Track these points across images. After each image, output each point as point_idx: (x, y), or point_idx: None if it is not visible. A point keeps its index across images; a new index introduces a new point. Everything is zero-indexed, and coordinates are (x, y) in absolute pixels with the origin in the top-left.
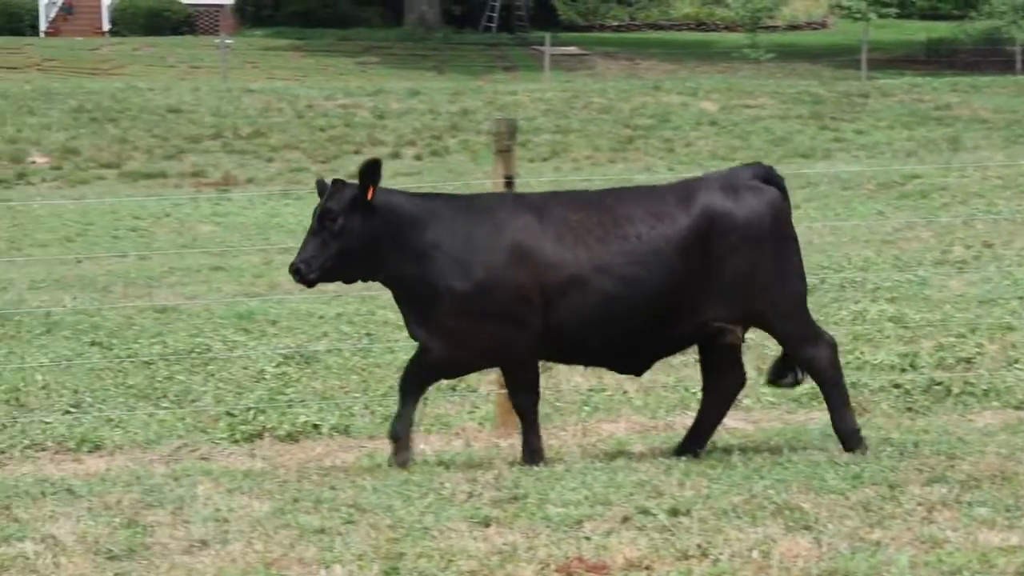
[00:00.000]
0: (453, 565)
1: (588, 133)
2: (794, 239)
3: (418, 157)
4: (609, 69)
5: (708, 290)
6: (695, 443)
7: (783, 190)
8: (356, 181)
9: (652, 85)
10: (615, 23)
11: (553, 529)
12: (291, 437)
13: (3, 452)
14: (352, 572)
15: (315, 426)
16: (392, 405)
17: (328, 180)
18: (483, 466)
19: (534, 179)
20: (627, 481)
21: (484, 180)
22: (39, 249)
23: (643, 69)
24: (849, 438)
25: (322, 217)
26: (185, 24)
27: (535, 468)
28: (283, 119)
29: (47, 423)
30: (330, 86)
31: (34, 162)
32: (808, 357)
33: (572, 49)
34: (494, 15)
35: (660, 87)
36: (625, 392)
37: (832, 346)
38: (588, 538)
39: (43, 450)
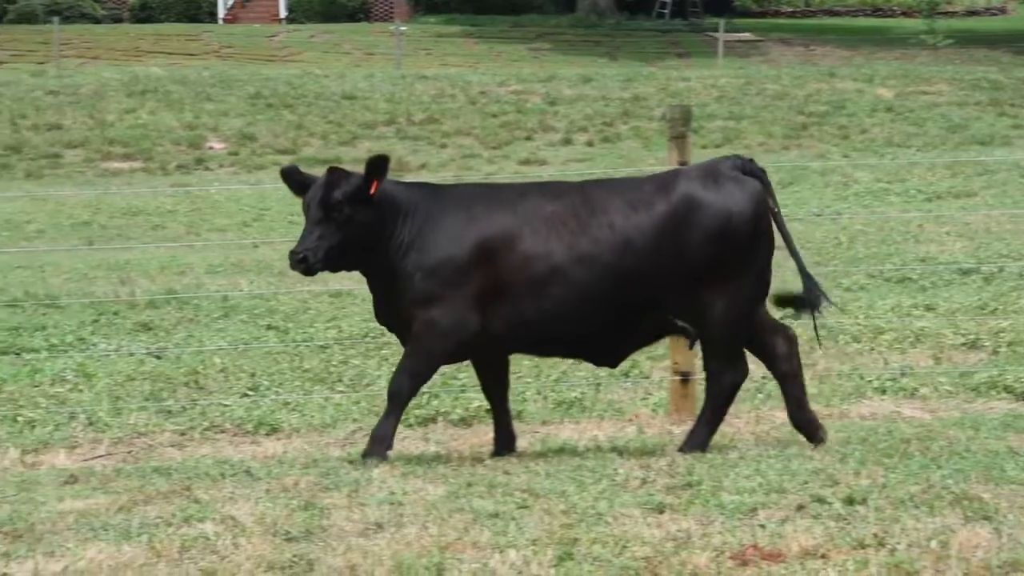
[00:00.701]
0: (627, 551)
1: (761, 120)
2: (770, 235)
3: (589, 144)
4: (783, 55)
5: (682, 280)
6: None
7: (765, 182)
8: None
9: (827, 71)
10: (790, 9)
11: (727, 517)
12: (464, 422)
13: (183, 434)
14: (526, 557)
15: (488, 411)
16: (565, 390)
17: (292, 168)
18: (656, 453)
19: None
20: (802, 469)
21: (656, 166)
22: (217, 233)
23: (818, 55)
24: (688, 447)
25: (329, 206)
26: (360, 11)
27: (706, 456)
28: (455, 105)
29: (226, 406)
30: (502, 72)
31: (212, 148)
32: (715, 371)
33: (746, 35)
34: (667, 1)
35: (835, 73)
36: None
37: (741, 376)
38: (763, 526)
39: (222, 432)
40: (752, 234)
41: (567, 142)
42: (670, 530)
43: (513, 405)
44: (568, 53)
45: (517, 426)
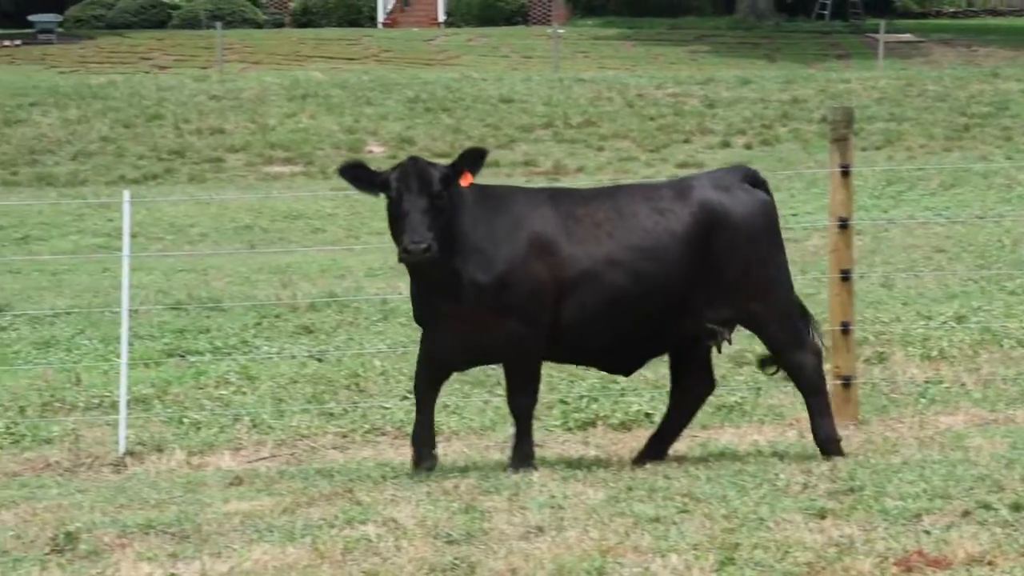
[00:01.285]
0: (789, 556)
1: (922, 121)
2: (781, 244)
3: (748, 146)
4: (944, 56)
5: (707, 288)
6: (657, 451)
7: (769, 193)
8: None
9: (990, 72)
10: (952, 9)
11: (891, 522)
12: (624, 426)
13: (345, 436)
14: (688, 561)
15: (647, 415)
16: (724, 395)
17: (356, 164)
18: (817, 457)
19: (867, 168)
20: (966, 475)
21: (816, 169)
22: (375, 237)
23: (980, 56)
24: (827, 445)
25: (433, 194)
26: (518, 14)
27: (869, 460)
28: (613, 108)
29: (386, 408)
30: (660, 75)
31: (371, 151)
32: (796, 363)
33: (907, 36)
34: (827, 3)
35: (999, 74)
36: (963, 385)
37: (818, 354)
38: (927, 532)
39: (383, 435)
40: (767, 242)
41: (725, 145)
42: (832, 536)
43: None
44: (726, 55)
45: None
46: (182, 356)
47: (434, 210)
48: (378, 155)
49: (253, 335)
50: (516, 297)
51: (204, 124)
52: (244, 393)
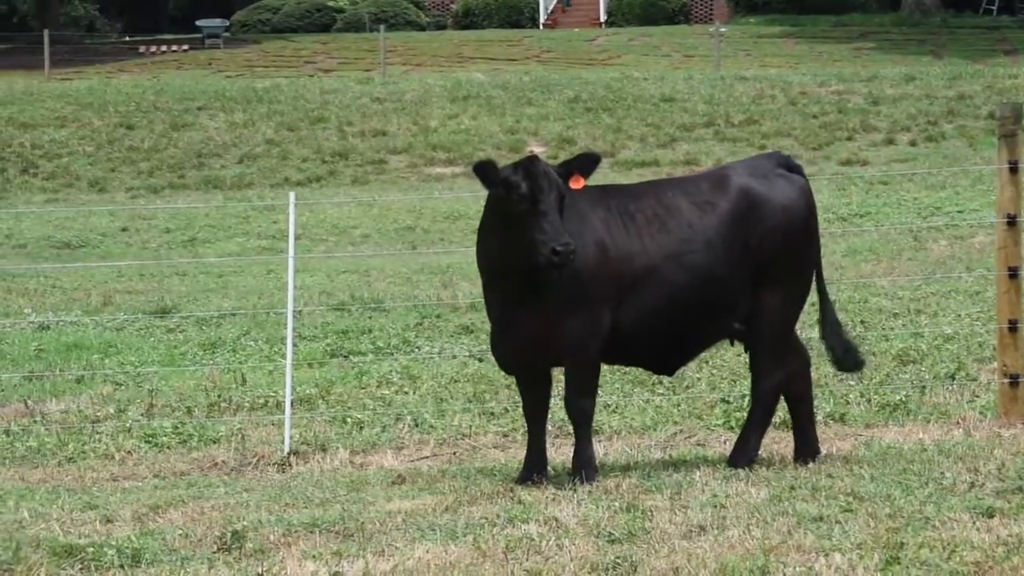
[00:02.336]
0: (956, 555)
1: None
2: (817, 234)
3: (913, 143)
4: None
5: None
6: (806, 442)
7: (804, 178)
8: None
9: None
10: None
11: None
12: (785, 424)
13: (506, 435)
14: (852, 561)
15: (814, 415)
16: (889, 393)
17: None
18: (984, 456)
19: None
20: None
21: (982, 166)
22: None
23: None
24: (741, 457)
25: (562, 194)
26: (680, 13)
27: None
28: (775, 106)
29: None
30: (824, 72)
31: (532, 151)
32: (768, 373)
33: None
34: None
35: None
36: None
37: (802, 367)
38: None
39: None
40: (806, 229)
41: (889, 142)
42: (1000, 535)
43: (836, 408)
44: (891, 52)
45: (842, 429)
46: (345, 356)
47: (561, 210)
48: (539, 154)
49: (414, 335)
50: (584, 296)
51: (367, 126)
52: (406, 393)
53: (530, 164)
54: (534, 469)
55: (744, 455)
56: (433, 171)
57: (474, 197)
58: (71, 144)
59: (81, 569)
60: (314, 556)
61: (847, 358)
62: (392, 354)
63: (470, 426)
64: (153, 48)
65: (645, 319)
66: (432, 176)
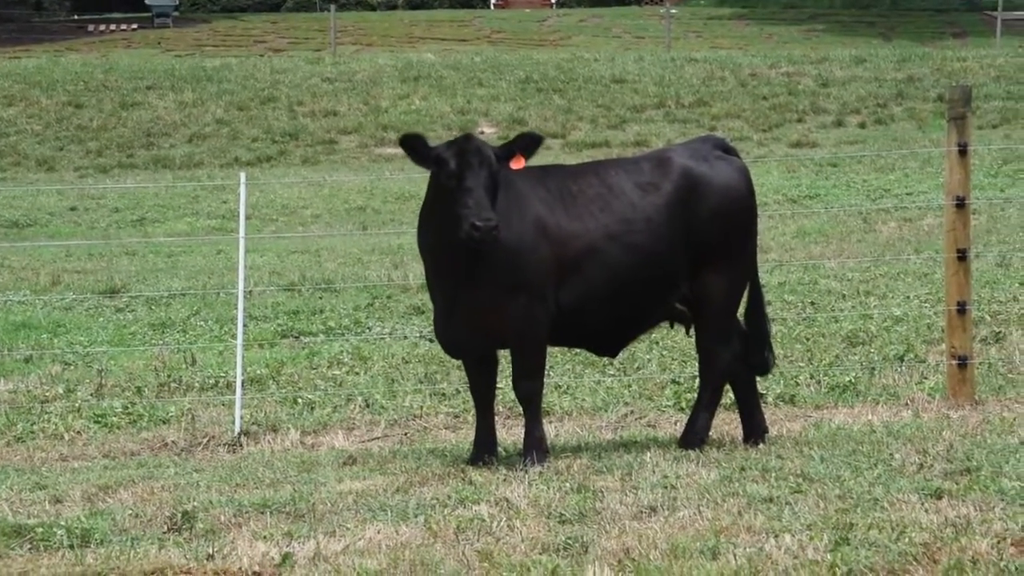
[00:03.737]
0: (904, 536)
1: None
2: (756, 217)
3: (862, 125)
4: None
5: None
6: (754, 426)
7: (742, 162)
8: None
9: None
10: None
11: (1008, 502)
12: (734, 405)
13: (457, 416)
14: (801, 542)
15: (760, 395)
16: (838, 375)
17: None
18: (933, 437)
19: (984, 147)
20: None
21: (930, 148)
22: None
23: None
24: (692, 437)
25: (494, 173)
26: None
27: (986, 440)
28: (725, 88)
29: (498, 388)
30: (774, 54)
31: (483, 132)
32: (714, 352)
33: None
34: None
35: None
36: None
37: (735, 356)
38: None
39: (495, 415)
40: (748, 211)
41: (839, 124)
42: (948, 516)
43: (786, 389)
44: (841, 34)
45: (791, 410)
46: (296, 337)
47: (493, 188)
48: (489, 135)
49: (365, 316)
50: (525, 277)
51: (317, 106)
52: (357, 373)
53: (463, 141)
54: (484, 450)
55: (694, 436)
56: (384, 151)
57: (424, 178)
58: (19, 123)
59: (30, 549)
60: (265, 537)
61: (757, 353)
62: (343, 335)
63: (421, 407)
64: (102, 27)
65: (587, 300)
66: (383, 156)
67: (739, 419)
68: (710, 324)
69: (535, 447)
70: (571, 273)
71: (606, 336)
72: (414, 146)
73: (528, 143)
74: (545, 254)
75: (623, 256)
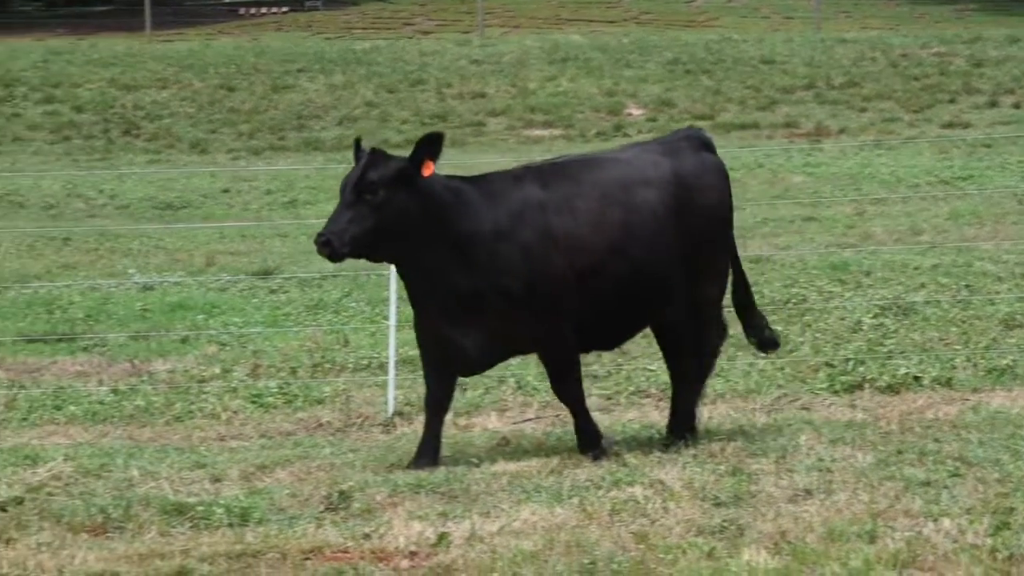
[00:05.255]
0: None
1: None
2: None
3: (1016, 105)
4: None
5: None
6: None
7: (715, 154)
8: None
9: None
10: None
11: None
12: (891, 389)
13: (610, 398)
14: (961, 526)
15: (916, 378)
16: (995, 357)
17: (367, 144)
18: None
19: None
20: None
21: None
22: None
23: None
24: (678, 430)
25: (363, 188)
26: None
27: None
28: (876, 68)
29: (650, 371)
30: (925, 34)
31: (630, 114)
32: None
33: None
34: None
35: None
36: None
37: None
38: None
39: (647, 397)
40: (728, 204)
41: (993, 104)
42: None
43: (942, 372)
44: (994, 13)
45: (948, 394)
46: None
47: (361, 205)
48: (637, 117)
49: None
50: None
51: (465, 88)
52: None
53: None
54: (428, 459)
55: (680, 424)
56: (531, 133)
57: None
58: (172, 106)
59: (191, 527)
60: (420, 517)
61: (760, 332)
62: None
63: None
64: (253, 10)
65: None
66: (530, 138)
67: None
68: (699, 314)
69: (587, 440)
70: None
71: (602, 337)
72: (357, 149)
73: (432, 146)
74: (546, 259)
75: (617, 260)
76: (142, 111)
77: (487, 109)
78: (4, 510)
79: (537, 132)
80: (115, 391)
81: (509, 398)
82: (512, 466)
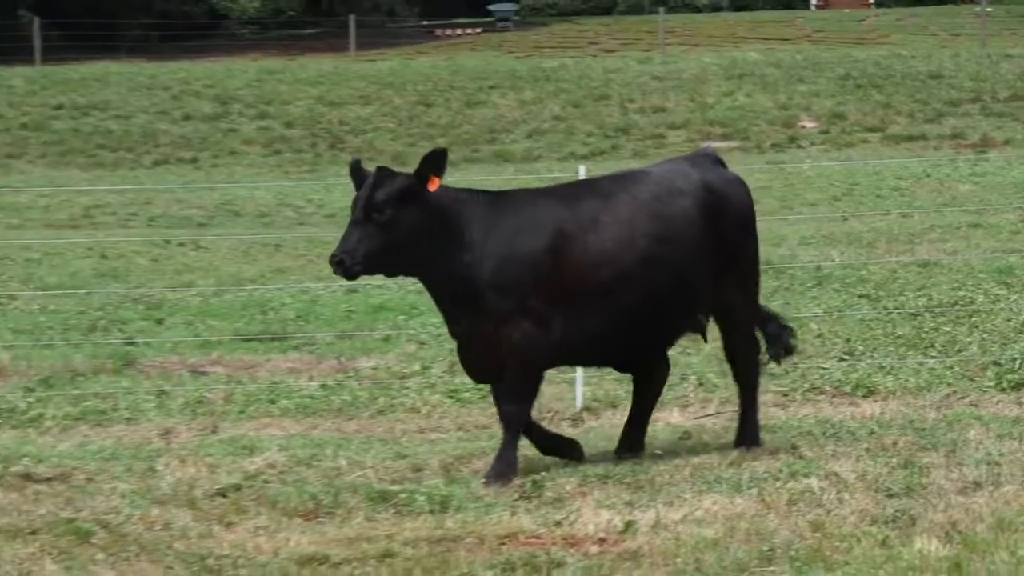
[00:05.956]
0: None
1: None
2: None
3: None
4: None
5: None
6: (634, 440)
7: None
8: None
9: None
10: None
11: None
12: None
13: (786, 395)
14: None
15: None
16: None
17: (363, 163)
18: None
19: None
20: None
21: None
22: (808, 207)
23: None
24: (745, 441)
25: (371, 207)
26: None
27: None
28: None
29: (824, 368)
30: None
31: (804, 127)
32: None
33: None
34: None
35: None
36: None
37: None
38: None
39: (821, 394)
40: (752, 217)
41: None
42: None
43: None
44: None
45: None
46: None
47: (369, 223)
48: (811, 129)
49: None
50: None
51: (647, 103)
52: (690, 354)
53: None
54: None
55: (750, 438)
56: (710, 145)
57: (748, 170)
58: (374, 120)
59: (394, 513)
60: (608, 505)
61: (782, 339)
62: None
63: None
64: (448, 31)
65: (608, 320)
66: None
67: (626, 427)
68: (737, 331)
69: (500, 468)
70: (589, 295)
71: (627, 353)
72: (354, 174)
73: (434, 162)
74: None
75: (646, 275)
76: (347, 126)
77: (667, 122)
78: (224, 496)
79: (715, 144)
80: (324, 386)
81: (690, 394)
82: (694, 458)
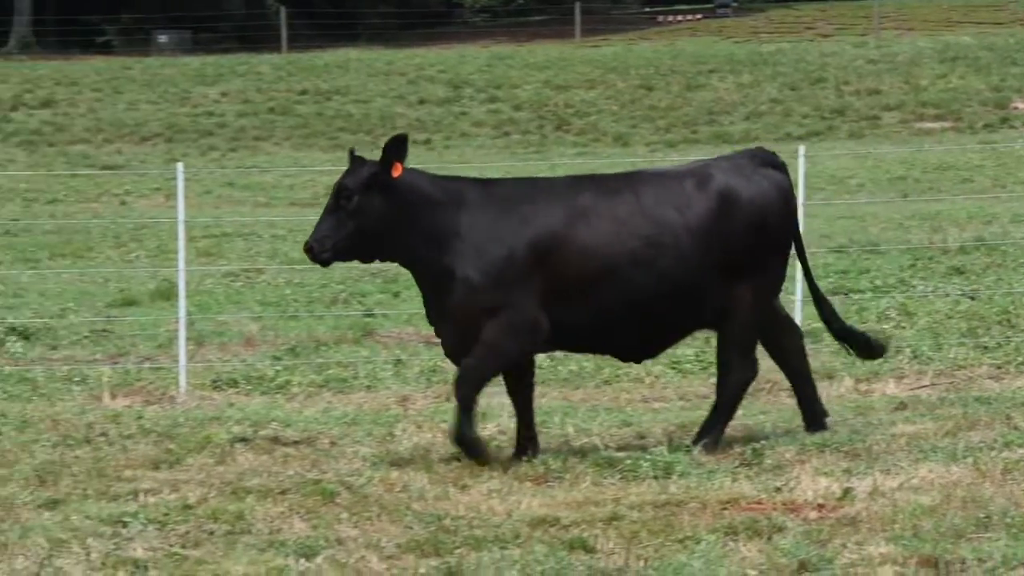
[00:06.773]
0: None
1: None
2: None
3: None
4: None
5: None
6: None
7: (786, 173)
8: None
9: None
10: None
11: None
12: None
13: (1000, 367)
14: None
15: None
16: None
17: (350, 151)
18: None
19: None
20: None
21: None
22: (1021, 186)
23: None
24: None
25: (339, 194)
26: None
27: None
28: None
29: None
30: None
31: (1016, 108)
32: (730, 369)
33: None
34: None
35: None
36: None
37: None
38: None
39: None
40: (781, 227)
41: None
42: None
43: None
44: None
45: None
46: (845, 294)
47: (338, 211)
48: (1023, 111)
49: (909, 275)
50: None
51: (862, 86)
52: (903, 328)
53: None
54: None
55: (706, 440)
56: (923, 126)
57: (962, 150)
58: (598, 104)
59: (621, 478)
60: (826, 473)
61: (866, 344)
62: (889, 292)
63: (965, 359)
64: (670, 18)
65: (605, 314)
66: (922, 131)
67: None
68: (732, 339)
69: (456, 439)
70: (567, 290)
71: (631, 347)
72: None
73: (397, 148)
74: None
75: (646, 273)
76: (572, 109)
77: (882, 104)
78: (458, 460)
79: (928, 125)
80: (551, 357)
81: (905, 366)
82: (910, 428)
